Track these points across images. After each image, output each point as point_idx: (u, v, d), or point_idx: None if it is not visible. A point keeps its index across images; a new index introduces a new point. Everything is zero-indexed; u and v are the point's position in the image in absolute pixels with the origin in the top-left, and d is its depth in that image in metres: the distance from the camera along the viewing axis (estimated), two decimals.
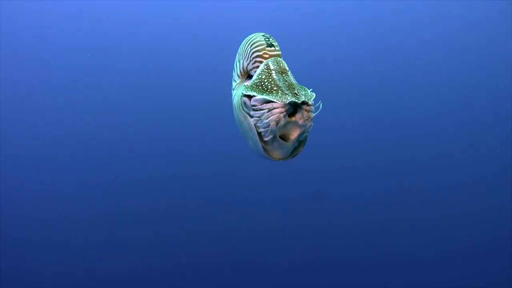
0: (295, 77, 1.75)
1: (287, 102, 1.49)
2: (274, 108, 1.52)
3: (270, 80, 1.60)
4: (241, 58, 1.86)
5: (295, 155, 1.75)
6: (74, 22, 4.30)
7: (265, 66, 1.66)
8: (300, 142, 1.73)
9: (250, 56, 1.77)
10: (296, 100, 1.50)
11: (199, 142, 4.48)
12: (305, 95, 1.56)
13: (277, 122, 1.53)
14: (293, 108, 1.55)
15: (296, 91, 1.56)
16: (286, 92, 1.54)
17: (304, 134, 1.66)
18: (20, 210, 4.42)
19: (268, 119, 1.54)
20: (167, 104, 4.49)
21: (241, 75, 1.88)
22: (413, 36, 4.63)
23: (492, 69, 4.56)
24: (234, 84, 1.93)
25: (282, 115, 1.52)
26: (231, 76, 2.03)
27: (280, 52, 1.76)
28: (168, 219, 4.61)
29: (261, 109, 1.57)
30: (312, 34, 4.57)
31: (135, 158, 4.52)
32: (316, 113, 1.61)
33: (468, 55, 4.61)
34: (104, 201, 4.49)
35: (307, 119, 1.57)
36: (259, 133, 1.64)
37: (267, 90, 1.57)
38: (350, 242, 4.69)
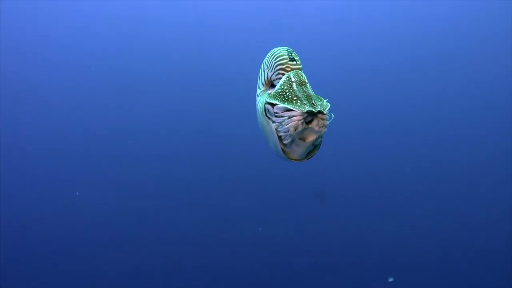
0: (312, 87, 1.98)
1: (305, 111, 1.72)
2: (293, 116, 1.75)
3: (291, 91, 1.83)
4: (266, 68, 2.09)
5: (310, 157, 1.98)
6: (108, 28, 4.51)
7: (287, 78, 1.89)
8: (315, 145, 1.96)
9: (274, 68, 2.00)
10: (313, 110, 1.72)
11: (219, 145, 4.67)
12: (321, 105, 1.78)
13: (296, 128, 1.76)
14: (310, 116, 1.78)
15: (313, 101, 1.78)
16: (305, 102, 1.76)
17: (319, 139, 1.88)
18: (20, 211, 4.52)
19: (288, 125, 1.77)
20: (191, 108, 4.70)
21: (265, 84, 2.11)
22: (427, 48, 4.76)
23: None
24: (258, 91, 2.16)
25: (300, 122, 1.75)
26: (256, 83, 2.27)
27: (301, 66, 1.98)
28: (181, 220, 4.77)
29: (282, 116, 1.80)
30: (332, 43, 4.76)
31: (143, 160, 4.70)
32: (330, 121, 1.83)
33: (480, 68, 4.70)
34: (117, 204, 4.67)
35: (322, 126, 1.80)
36: (279, 137, 1.88)
37: (288, 99, 1.80)
38: (358, 245, 4.84)
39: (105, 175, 4.66)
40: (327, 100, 1.89)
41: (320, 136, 1.86)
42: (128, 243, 4.65)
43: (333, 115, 1.83)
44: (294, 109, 1.74)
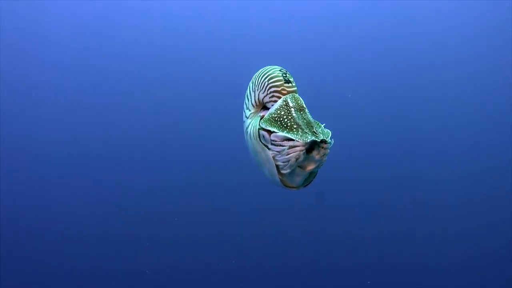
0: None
1: (308, 141, 1.61)
2: (295, 146, 1.63)
3: (290, 117, 1.70)
4: (256, 89, 1.93)
5: (307, 185, 1.88)
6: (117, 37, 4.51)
7: (284, 103, 1.75)
8: (312, 172, 1.86)
9: (267, 90, 1.85)
10: (317, 139, 1.61)
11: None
12: (322, 133, 1.68)
13: (297, 159, 1.65)
14: (311, 145, 1.67)
15: (314, 129, 1.67)
16: (306, 131, 1.64)
17: (318, 167, 1.79)
18: (21, 211, 4.50)
19: (288, 156, 1.65)
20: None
21: (256, 106, 1.96)
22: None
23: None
24: (248, 112, 2.00)
25: (301, 152, 1.64)
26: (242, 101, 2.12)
27: (296, 88, 1.86)
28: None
29: (281, 145, 1.68)
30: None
31: (143, 162, 4.71)
32: (330, 147, 1.74)
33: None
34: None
35: (323, 155, 1.70)
36: (276, 165, 1.76)
37: (287, 127, 1.67)
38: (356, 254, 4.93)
39: (104, 176, 4.65)
40: (324, 124, 1.80)
41: (320, 165, 1.76)
42: (127, 245, 4.66)
43: (333, 141, 1.74)
44: (296, 139, 1.62)
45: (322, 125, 1.78)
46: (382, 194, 4.95)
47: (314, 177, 1.88)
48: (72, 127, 4.53)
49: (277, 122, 1.70)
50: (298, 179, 1.80)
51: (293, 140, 1.63)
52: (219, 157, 4.64)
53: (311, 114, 1.79)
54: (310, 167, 1.73)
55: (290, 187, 1.84)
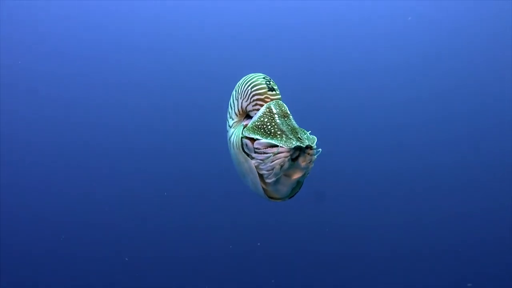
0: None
1: (293, 147, 1.52)
2: (279, 153, 1.54)
3: (273, 124, 1.62)
4: (239, 97, 1.86)
5: (292, 196, 1.78)
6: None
7: (267, 109, 1.68)
8: (298, 182, 1.76)
9: (250, 98, 1.79)
10: (301, 145, 1.53)
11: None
12: (307, 139, 1.60)
13: (282, 166, 1.56)
14: (296, 152, 1.59)
15: (299, 135, 1.59)
16: (291, 137, 1.57)
17: (305, 176, 1.70)
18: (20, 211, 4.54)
19: (273, 163, 1.56)
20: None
21: (239, 114, 1.89)
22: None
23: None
24: (231, 121, 1.93)
25: (286, 159, 1.55)
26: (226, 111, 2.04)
27: (280, 96, 1.80)
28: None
29: (265, 153, 1.59)
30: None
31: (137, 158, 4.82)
32: (317, 155, 1.65)
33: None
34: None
35: (309, 162, 1.61)
36: (260, 175, 1.66)
37: (270, 134, 1.59)
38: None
39: (98, 172, 4.73)
40: (310, 132, 1.73)
41: (306, 173, 1.67)
42: (125, 242, 4.68)
43: (320, 150, 1.66)
44: (280, 145, 1.54)
45: (308, 132, 1.71)
46: (379, 192, 4.93)
47: (300, 187, 1.78)
48: (63, 124, 4.65)
49: (260, 129, 1.62)
50: (284, 190, 1.70)
51: (277, 146, 1.54)
52: (216, 154, 4.65)
53: (298, 120, 1.72)
54: (296, 175, 1.64)
55: (274, 198, 1.74)
